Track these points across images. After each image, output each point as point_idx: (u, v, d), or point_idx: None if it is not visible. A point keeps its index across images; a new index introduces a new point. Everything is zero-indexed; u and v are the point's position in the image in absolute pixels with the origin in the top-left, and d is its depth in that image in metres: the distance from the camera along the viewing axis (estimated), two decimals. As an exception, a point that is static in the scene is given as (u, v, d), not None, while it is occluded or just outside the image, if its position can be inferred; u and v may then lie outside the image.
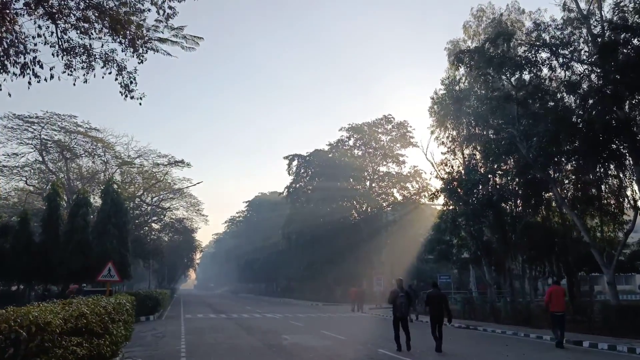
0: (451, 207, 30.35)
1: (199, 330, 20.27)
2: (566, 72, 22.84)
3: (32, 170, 38.77)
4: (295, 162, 54.49)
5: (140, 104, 14.57)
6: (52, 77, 11.81)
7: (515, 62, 21.43)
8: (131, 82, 14.43)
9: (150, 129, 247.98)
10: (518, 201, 29.07)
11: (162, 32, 11.62)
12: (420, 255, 43.76)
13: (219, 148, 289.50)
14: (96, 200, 36.24)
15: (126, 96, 14.37)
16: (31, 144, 36.07)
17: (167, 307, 39.23)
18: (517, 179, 26.75)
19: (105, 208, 28.25)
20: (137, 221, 44.43)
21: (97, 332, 7.04)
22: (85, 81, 13.95)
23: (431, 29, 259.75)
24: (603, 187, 24.37)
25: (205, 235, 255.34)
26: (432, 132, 35.39)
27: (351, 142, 54.42)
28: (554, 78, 23.33)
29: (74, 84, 13.86)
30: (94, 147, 38.76)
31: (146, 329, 20.91)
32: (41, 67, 11.70)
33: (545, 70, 23.08)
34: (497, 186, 29.01)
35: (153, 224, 51.73)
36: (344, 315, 30.73)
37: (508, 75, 22.32)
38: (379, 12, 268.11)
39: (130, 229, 34.33)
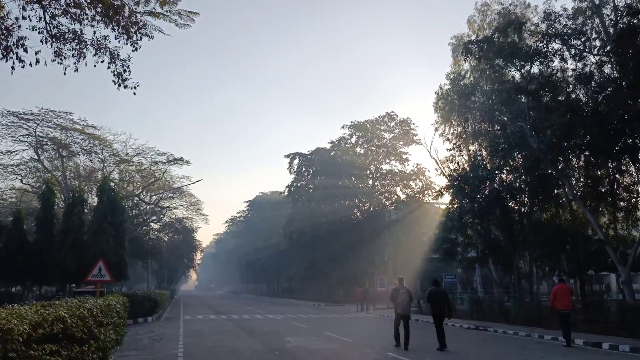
0: (456, 205, 29.61)
1: (198, 332, 19.49)
2: (578, 63, 22.08)
3: (28, 169, 37.98)
4: (296, 161, 53.56)
5: (134, 93, 13.92)
6: (37, 62, 11.04)
7: (526, 52, 20.61)
8: (125, 71, 13.79)
9: (149, 128, 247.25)
10: (525, 198, 28.29)
11: (154, 8, 10.79)
12: (424, 254, 42.96)
13: (219, 148, 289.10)
14: (94, 199, 35.46)
15: (119, 85, 13.75)
16: (26, 141, 35.23)
17: (166, 308, 38.51)
18: (526, 175, 25.95)
19: (101, 206, 27.39)
20: (135, 221, 43.62)
21: (79, 337, 6.23)
22: (76, 70, 13.29)
23: (435, 27, 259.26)
24: (616, 182, 23.59)
25: (205, 236, 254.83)
26: (437, 129, 34.69)
27: (353, 140, 53.56)
28: (565, 69, 22.54)
29: (65, 73, 13.20)
30: (91, 145, 37.94)
31: (143, 331, 20.17)
32: (25, 50, 10.91)
33: (556, 62, 22.35)
34: (504, 183, 28.22)
35: (152, 224, 50.89)
36: (347, 315, 29.95)
37: (518, 66, 21.52)
38: (383, 11, 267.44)
39: (127, 228, 33.51)
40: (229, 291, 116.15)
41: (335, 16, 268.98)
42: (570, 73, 22.66)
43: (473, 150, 31.97)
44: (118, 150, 40.03)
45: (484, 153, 30.06)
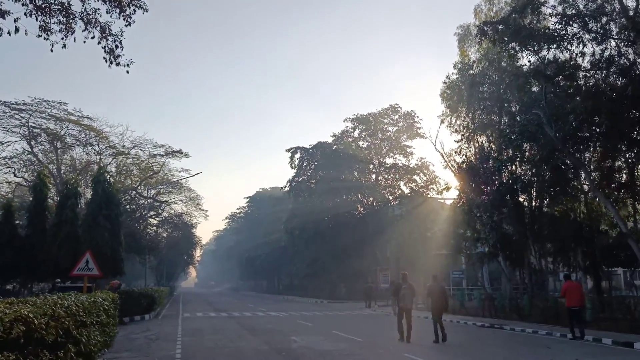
0: (463, 200, 28.54)
1: (198, 331, 18.39)
2: (597, 47, 20.95)
3: (21, 162, 36.77)
4: (297, 155, 52.27)
5: (127, 71, 12.97)
6: (17, 30, 9.91)
7: (545, 34, 19.46)
8: (117, 47, 12.78)
9: (146, 121, 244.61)
10: (537, 190, 27.18)
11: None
12: (429, 250, 41.88)
13: (219, 142, 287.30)
14: (89, 193, 34.29)
15: (111, 62, 12.81)
16: (18, 132, 34.02)
17: (164, 305, 37.40)
18: (540, 166, 24.82)
19: (96, 199, 26.14)
20: (133, 215, 42.42)
21: (51, 341, 5.11)
22: (64, 46, 12.31)
23: (439, 16, 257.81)
24: (636, 172, 22.50)
25: (205, 232, 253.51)
26: (443, 121, 33.50)
27: (356, 134, 52.43)
28: (584, 54, 21.40)
29: (52, 50, 12.22)
30: (87, 137, 36.72)
31: (139, 330, 19.05)
32: (3, 17, 9.79)
33: (574, 46, 21.22)
34: (514, 175, 27.11)
35: (150, 219, 49.68)
36: (352, 313, 28.90)
37: (535, 49, 20.33)
38: (386, 2, 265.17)
39: (124, 222, 32.28)
40: (228, 288, 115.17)
41: (337, 9, 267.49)
42: (588, 58, 21.57)
43: (481, 142, 30.90)
44: (115, 142, 38.87)
45: (493, 146, 29.02)
